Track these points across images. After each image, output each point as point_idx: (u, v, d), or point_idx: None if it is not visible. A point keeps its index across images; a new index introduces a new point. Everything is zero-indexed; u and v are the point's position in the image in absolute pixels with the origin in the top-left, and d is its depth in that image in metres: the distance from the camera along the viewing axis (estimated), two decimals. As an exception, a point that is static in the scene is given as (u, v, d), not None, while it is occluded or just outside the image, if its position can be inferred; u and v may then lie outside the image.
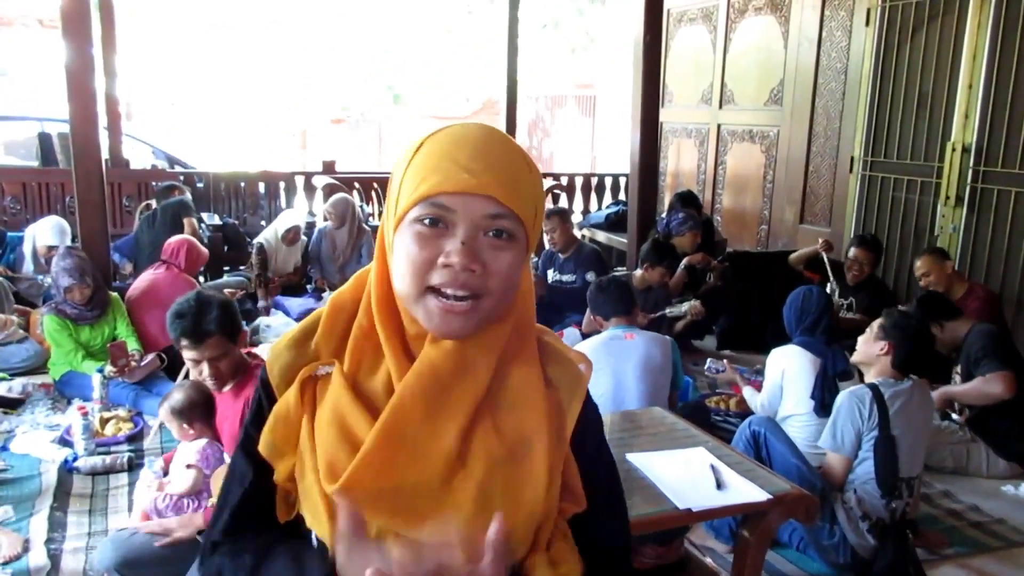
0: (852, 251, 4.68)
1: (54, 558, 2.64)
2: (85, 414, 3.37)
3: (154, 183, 6.59)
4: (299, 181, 7.69)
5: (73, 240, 5.01)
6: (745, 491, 2.11)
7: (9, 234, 5.60)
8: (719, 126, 7.09)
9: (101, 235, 4.55)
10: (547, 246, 5.39)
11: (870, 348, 2.80)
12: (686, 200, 5.77)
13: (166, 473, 2.79)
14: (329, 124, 17.00)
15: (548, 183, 8.48)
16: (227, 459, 2.57)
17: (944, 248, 4.58)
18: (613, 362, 2.98)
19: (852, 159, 5.66)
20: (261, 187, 7.54)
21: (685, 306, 4.69)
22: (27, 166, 7.75)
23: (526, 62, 9.49)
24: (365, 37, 15.97)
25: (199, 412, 2.69)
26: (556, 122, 16.26)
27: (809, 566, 2.75)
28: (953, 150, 4.81)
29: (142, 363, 3.94)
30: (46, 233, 5.20)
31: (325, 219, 5.99)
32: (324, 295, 5.57)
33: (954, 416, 3.70)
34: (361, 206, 6.66)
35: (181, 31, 15.14)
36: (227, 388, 2.54)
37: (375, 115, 17.00)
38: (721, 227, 6.95)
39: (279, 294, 5.56)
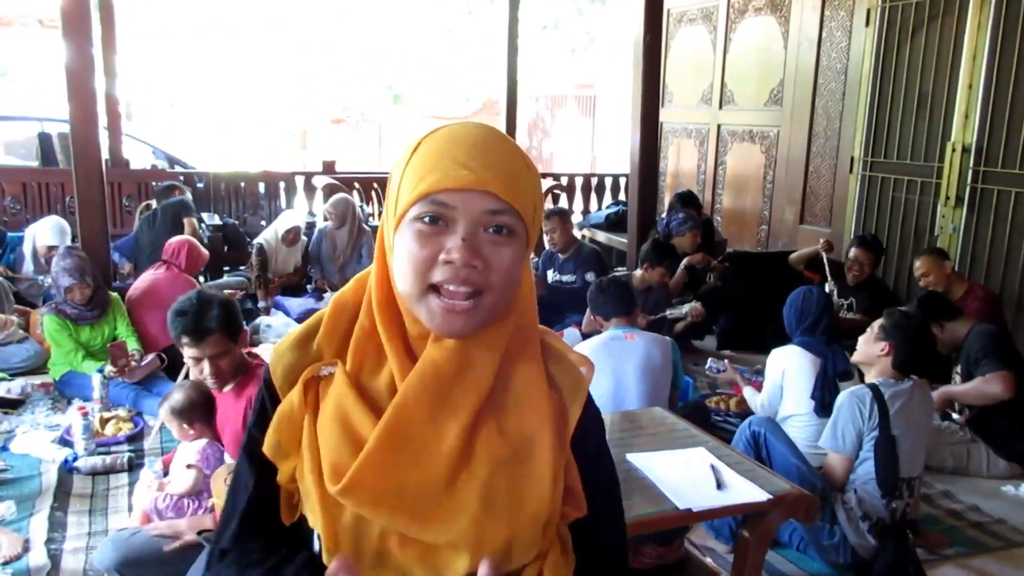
0: (852, 251, 4.69)
1: (54, 558, 2.64)
2: (85, 414, 3.36)
3: (154, 183, 6.59)
4: (299, 181, 7.68)
5: (73, 240, 5.01)
6: (745, 491, 2.11)
7: (9, 234, 5.59)
8: (719, 126, 7.09)
9: (101, 235, 4.55)
10: (547, 246, 5.38)
11: (870, 348, 2.80)
12: (686, 200, 5.77)
13: (166, 473, 2.79)
14: (329, 124, 16.98)
15: (548, 183, 8.47)
16: (228, 459, 2.57)
17: (944, 248, 4.58)
18: (613, 362, 2.98)
19: (852, 159, 5.66)
20: (261, 187, 7.53)
21: (685, 308, 4.68)
22: (27, 166, 7.75)
23: (526, 62, 9.50)
24: (365, 37, 15.96)
25: (199, 412, 2.69)
26: (556, 122, 16.23)
27: (809, 566, 2.75)
28: (953, 150, 4.81)
29: (142, 363, 3.94)
30: (46, 233, 5.19)
31: (325, 219, 5.98)
32: (324, 295, 5.57)
33: (954, 416, 3.70)
34: (361, 206, 6.66)
35: (181, 31, 15.12)
36: (228, 388, 2.55)
37: (375, 115, 16.98)
38: (721, 227, 6.94)
39: (279, 294, 5.55)
